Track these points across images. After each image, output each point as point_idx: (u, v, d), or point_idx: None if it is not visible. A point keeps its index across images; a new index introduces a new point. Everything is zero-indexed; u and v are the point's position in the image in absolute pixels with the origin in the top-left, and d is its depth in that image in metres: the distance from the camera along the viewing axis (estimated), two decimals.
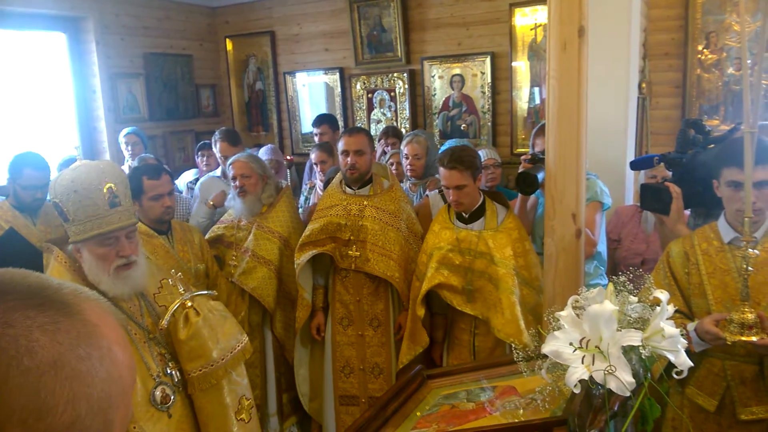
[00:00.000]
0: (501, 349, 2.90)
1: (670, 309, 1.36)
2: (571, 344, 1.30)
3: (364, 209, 3.19)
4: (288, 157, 5.64)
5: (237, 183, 3.40)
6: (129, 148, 4.84)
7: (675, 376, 1.33)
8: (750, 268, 1.72)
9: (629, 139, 3.41)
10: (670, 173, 2.70)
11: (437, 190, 3.46)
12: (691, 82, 4.19)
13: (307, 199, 4.43)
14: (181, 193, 4.76)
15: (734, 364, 1.93)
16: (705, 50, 4.23)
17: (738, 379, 1.92)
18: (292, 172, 5.43)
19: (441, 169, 2.82)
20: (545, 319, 1.59)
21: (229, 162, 3.54)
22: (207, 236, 3.47)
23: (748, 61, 4.08)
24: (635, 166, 3.01)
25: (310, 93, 6.21)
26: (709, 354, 1.92)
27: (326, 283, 3.40)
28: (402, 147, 3.93)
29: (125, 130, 4.95)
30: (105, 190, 1.72)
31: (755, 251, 1.75)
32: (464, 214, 2.89)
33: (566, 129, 2.46)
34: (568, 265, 2.56)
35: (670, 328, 1.28)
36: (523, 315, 2.75)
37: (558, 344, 1.33)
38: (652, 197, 2.55)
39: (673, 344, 1.27)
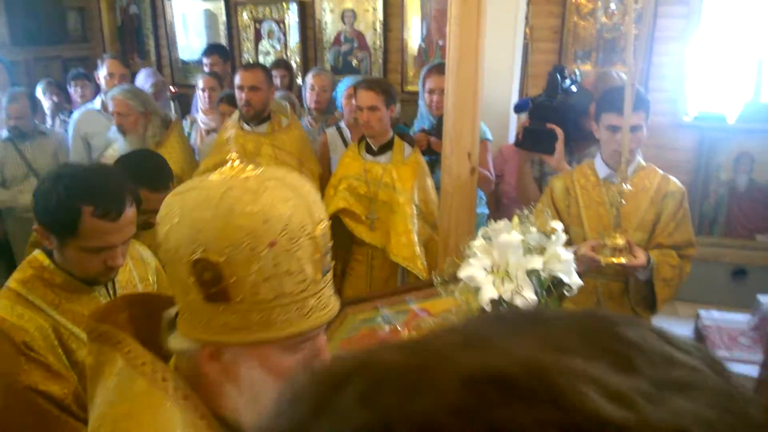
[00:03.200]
0: (394, 279, 3.11)
1: (564, 237, 1.58)
2: (483, 269, 1.49)
3: (260, 147, 3.19)
4: (171, 89, 5.39)
5: (116, 120, 3.22)
6: None
7: (566, 293, 1.57)
8: (623, 201, 2.01)
9: (514, 82, 3.65)
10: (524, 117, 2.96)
11: (335, 126, 3.53)
12: (568, 28, 4.51)
13: (189, 135, 4.30)
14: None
15: (604, 282, 2.26)
16: None
17: (607, 295, 2.26)
18: (176, 105, 5.21)
19: (359, 91, 2.89)
20: (441, 252, 1.76)
21: (108, 94, 3.34)
22: None
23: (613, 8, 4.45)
24: (517, 109, 3.26)
25: (191, 20, 5.88)
26: (583, 274, 2.23)
27: None
28: (308, 79, 3.91)
29: None
30: None
31: (628, 185, 2.03)
32: (373, 147, 2.99)
33: (465, 72, 2.61)
34: (463, 202, 2.77)
35: (565, 253, 1.50)
36: None
37: (472, 270, 1.51)
38: (538, 139, 2.81)
39: (567, 267, 1.50)
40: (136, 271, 1.78)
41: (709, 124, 4.49)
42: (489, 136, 3.29)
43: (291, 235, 0.83)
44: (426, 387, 0.27)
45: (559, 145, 2.63)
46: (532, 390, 0.26)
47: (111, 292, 1.67)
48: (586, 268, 2.14)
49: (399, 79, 5.10)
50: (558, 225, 1.59)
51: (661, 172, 2.29)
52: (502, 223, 1.60)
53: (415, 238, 2.91)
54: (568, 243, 2.30)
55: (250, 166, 0.93)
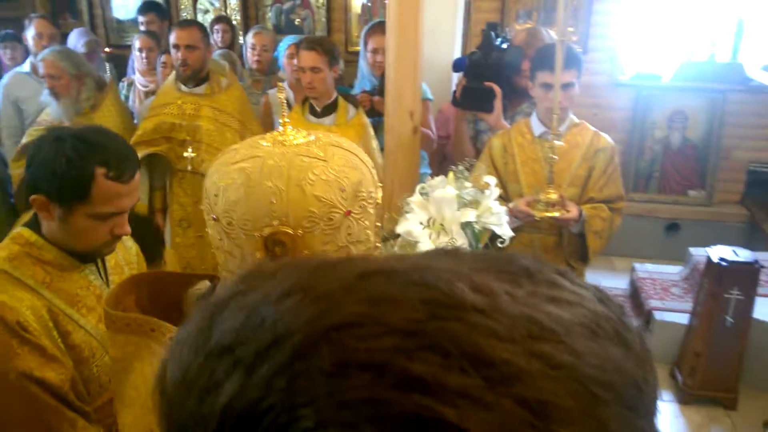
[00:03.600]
0: None
1: (497, 191, 1.63)
2: (420, 224, 1.52)
3: (200, 109, 3.12)
4: (105, 50, 5.17)
5: (47, 83, 3.09)
6: None
7: (499, 245, 1.62)
8: (555, 157, 2.07)
9: (456, 41, 3.66)
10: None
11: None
12: None
13: (126, 97, 4.15)
14: None
15: (540, 236, 2.35)
16: None
17: (543, 248, 2.35)
18: (111, 66, 5.00)
19: (300, 52, 2.85)
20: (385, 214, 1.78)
21: (38, 56, 3.18)
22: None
23: None
24: (456, 68, 3.28)
25: None
26: (520, 229, 2.31)
27: (164, 184, 3.32)
28: (248, 38, 3.81)
29: None
30: None
31: (560, 142, 2.10)
32: (316, 108, 2.97)
33: (405, 30, 2.60)
34: (406, 161, 2.79)
35: (497, 206, 1.55)
36: None
37: (409, 225, 1.54)
38: (476, 97, 2.84)
39: (499, 219, 1.55)
40: (121, 254, 1.67)
41: (645, 83, 4.63)
42: (429, 95, 3.30)
43: (362, 202, 0.81)
44: (332, 277, 0.30)
45: (498, 103, 2.67)
46: (409, 275, 0.29)
47: (102, 272, 1.57)
48: (523, 222, 2.21)
49: (343, 39, 5.04)
50: (491, 179, 1.63)
51: (592, 128, 2.36)
52: (439, 179, 1.63)
53: None
54: (507, 199, 2.38)
55: (303, 132, 0.90)
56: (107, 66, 4.84)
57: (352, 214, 0.80)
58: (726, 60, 4.68)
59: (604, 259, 4.33)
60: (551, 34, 2.72)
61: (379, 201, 0.85)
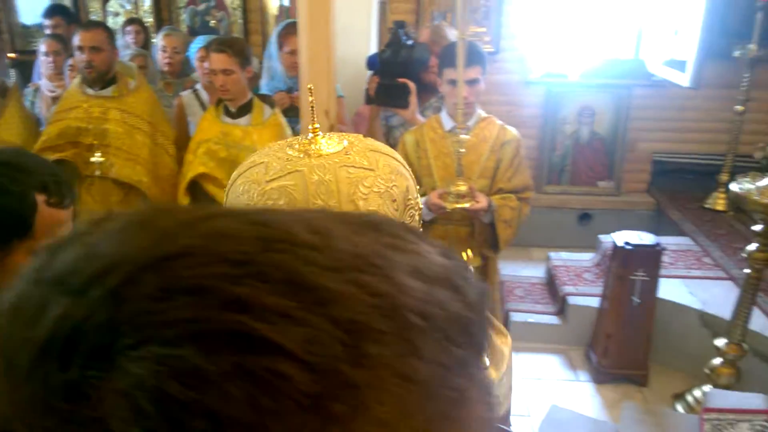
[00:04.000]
0: None
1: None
2: None
3: (107, 111, 3.02)
4: (9, 55, 4.91)
5: None
6: None
7: None
8: (463, 150, 2.15)
9: (371, 41, 3.71)
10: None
11: (191, 90, 3.41)
12: None
13: (32, 103, 3.96)
14: None
15: (453, 227, 2.43)
16: None
17: (456, 239, 2.43)
18: (16, 72, 4.76)
19: (211, 54, 2.81)
20: None
21: None
22: None
23: None
24: (371, 65, 3.34)
25: None
26: (434, 221, 2.38)
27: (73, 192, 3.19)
28: (158, 40, 3.72)
29: None
30: None
31: (467, 136, 2.18)
32: (231, 109, 2.93)
33: (317, 29, 2.62)
34: None
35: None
36: None
37: None
38: (391, 94, 2.89)
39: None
40: None
41: (554, 81, 4.84)
42: (341, 93, 3.35)
43: (411, 210, 0.77)
44: (175, 216, 0.31)
45: (413, 98, 2.74)
46: (250, 216, 0.31)
47: None
48: (436, 214, 2.28)
49: (260, 40, 4.99)
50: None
51: (499, 122, 2.46)
52: None
53: None
54: (422, 193, 2.45)
55: (334, 137, 0.82)
56: (11, 72, 4.61)
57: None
58: (629, 57, 4.96)
59: (521, 249, 4.49)
60: (454, 31, 2.81)
61: (421, 206, 0.79)
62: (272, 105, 3.05)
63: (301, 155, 0.77)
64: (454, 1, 4.71)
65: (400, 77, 2.75)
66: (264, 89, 3.42)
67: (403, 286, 0.28)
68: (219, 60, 2.79)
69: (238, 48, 2.84)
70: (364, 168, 0.75)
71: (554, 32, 4.94)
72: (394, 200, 0.75)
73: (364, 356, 0.26)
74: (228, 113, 2.95)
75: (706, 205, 4.71)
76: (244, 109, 2.95)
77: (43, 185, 1.22)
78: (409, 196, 0.77)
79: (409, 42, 2.87)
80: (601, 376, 3.41)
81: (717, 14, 5.01)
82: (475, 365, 0.31)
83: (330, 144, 0.80)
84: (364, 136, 2.91)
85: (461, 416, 0.29)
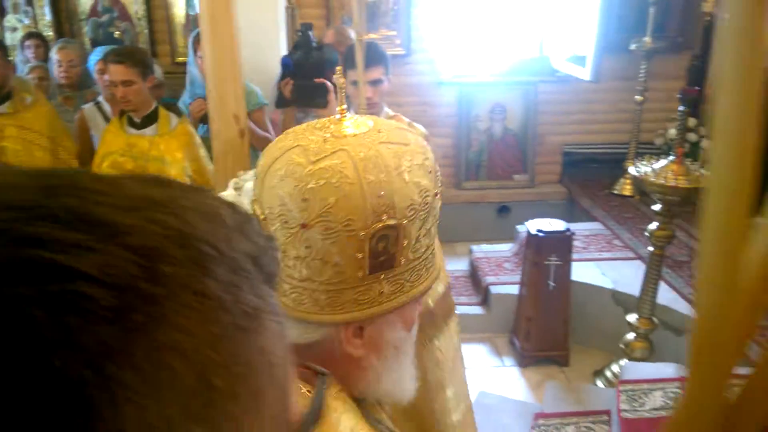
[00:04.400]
0: None
1: None
2: None
3: (3, 129, 2.89)
4: None
5: None
6: None
7: None
8: None
9: (281, 47, 3.70)
10: None
11: (92, 103, 3.30)
12: None
13: None
14: None
15: None
16: None
17: None
18: None
19: (109, 66, 2.74)
20: None
21: None
22: None
23: None
24: (286, 67, 3.33)
25: None
26: None
27: None
28: (52, 54, 3.57)
29: None
30: None
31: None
32: (136, 120, 2.85)
33: (220, 34, 2.59)
34: (236, 166, 2.78)
35: None
36: None
37: None
38: (309, 94, 2.89)
39: None
40: None
41: (465, 80, 4.98)
42: (264, 100, 3.32)
43: (439, 180, 0.79)
44: None
45: (331, 97, 2.74)
46: (28, 172, 0.31)
47: None
48: None
49: (168, 50, 4.88)
50: None
51: (406, 119, 2.49)
52: (251, 173, 1.65)
53: None
54: None
55: (360, 119, 0.81)
56: None
57: (438, 195, 0.78)
58: (535, 55, 5.18)
59: (445, 245, 4.56)
60: (352, 33, 2.86)
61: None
62: (179, 113, 2.99)
63: (337, 135, 0.77)
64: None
65: (316, 77, 2.77)
66: (185, 96, 3.37)
67: (193, 223, 0.31)
68: (118, 71, 2.71)
69: (138, 58, 2.77)
70: (400, 143, 0.76)
71: (463, 34, 5.09)
72: (430, 172, 0.77)
73: (160, 275, 0.28)
74: (132, 124, 2.87)
75: (614, 191, 4.97)
76: (149, 119, 2.87)
77: None
78: (437, 168, 0.79)
79: (313, 43, 2.89)
80: (525, 360, 3.53)
81: (613, 10, 5.31)
82: (266, 290, 0.33)
83: (358, 125, 0.80)
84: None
85: (254, 328, 0.31)
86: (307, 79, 2.92)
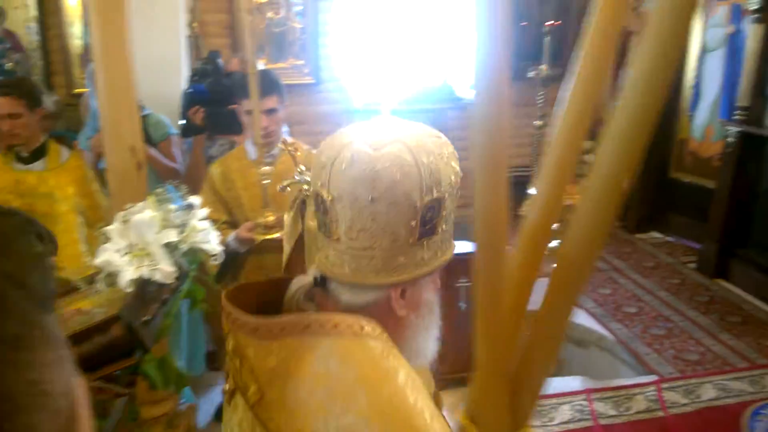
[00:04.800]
0: None
1: (203, 211, 1.65)
2: (118, 251, 1.47)
3: None
4: None
5: None
6: None
7: (213, 261, 1.64)
8: (267, 180, 2.15)
9: (183, 75, 3.64)
10: None
11: None
12: (238, 23, 4.64)
13: None
14: None
15: (271, 256, 2.36)
16: None
17: (273, 268, 2.37)
18: None
19: None
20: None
21: None
22: None
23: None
24: (195, 96, 3.28)
25: None
26: (252, 252, 2.33)
27: None
28: None
29: None
30: None
31: (269, 167, 2.18)
32: (24, 154, 2.70)
33: (114, 65, 2.51)
34: (134, 199, 2.67)
35: (202, 224, 1.57)
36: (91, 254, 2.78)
37: (107, 255, 1.48)
38: (223, 121, 2.85)
39: (205, 236, 1.57)
40: None
41: (375, 108, 5.08)
42: (173, 130, 3.24)
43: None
44: None
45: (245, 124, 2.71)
46: None
47: None
48: (250, 247, 2.25)
49: (65, 81, 4.68)
50: (196, 200, 1.65)
51: (306, 147, 2.48)
52: (140, 204, 1.60)
53: (82, 249, 2.73)
54: (236, 225, 2.38)
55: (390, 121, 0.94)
56: None
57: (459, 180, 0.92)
58: (439, 84, 5.35)
59: None
60: (261, 64, 2.85)
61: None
62: (70, 145, 2.86)
63: (387, 129, 0.90)
64: (267, 36, 4.79)
65: (228, 105, 2.74)
66: (87, 129, 3.24)
67: None
68: (3, 104, 2.57)
69: (24, 89, 2.63)
70: (436, 136, 0.91)
71: (372, 62, 5.19)
72: (456, 159, 0.91)
73: None
74: (20, 159, 2.72)
75: (521, 213, 5.17)
76: (38, 153, 2.73)
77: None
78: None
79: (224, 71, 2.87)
80: (441, 383, 3.54)
81: (513, 39, 5.58)
82: (37, 314, 0.34)
83: (389, 121, 0.94)
84: (189, 167, 2.83)
85: (17, 359, 0.32)
86: (221, 106, 2.88)
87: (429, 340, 1.00)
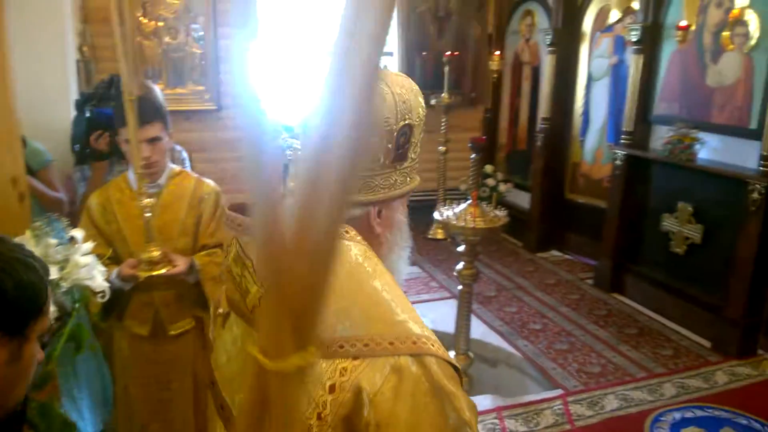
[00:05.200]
0: None
1: (87, 246, 1.53)
2: None
3: None
4: None
5: None
6: None
7: (99, 299, 1.53)
8: (148, 214, 2.01)
9: (71, 101, 3.45)
10: None
11: None
12: (133, 48, 4.47)
13: None
14: None
15: (159, 293, 2.21)
16: (143, 18, 4.55)
17: (163, 303, 2.23)
18: None
19: None
20: None
21: None
22: None
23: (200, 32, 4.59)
24: (96, 122, 3.11)
25: None
26: (139, 289, 2.16)
27: None
28: None
29: None
30: None
31: (151, 199, 2.03)
32: None
33: None
34: (17, 232, 2.47)
35: (85, 259, 1.46)
36: None
37: None
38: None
39: (88, 272, 1.45)
40: None
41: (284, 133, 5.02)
42: (50, 157, 3.03)
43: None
44: None
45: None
46: None
47: None
48: (134, 284, 2.10)
49: None
50: (79, 234, 1.53)
51: (195, 175, 2.33)
52: (17, 239, 1.46)
53: None
54: (119, 260, 2.19)
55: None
56: None
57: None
58: None
59: None
60: (153, 87, 2.70)
61: None
62: None
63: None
64: (164, 61, 4.65)
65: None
66: None
67: None
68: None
69: None
70: (401, 75, 1.04)
71: (275, 87, 5.14)
72: (420, 94, 1.06)
73: None
74: None
75: (429, 236, 5.26)
76: None
77: (46, 267, 1.22)
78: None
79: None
80: None
81: (414, 69, 5.74)
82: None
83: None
84: (88, 194, 2.64)
85: None
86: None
87: (402, 258, 1.09)
